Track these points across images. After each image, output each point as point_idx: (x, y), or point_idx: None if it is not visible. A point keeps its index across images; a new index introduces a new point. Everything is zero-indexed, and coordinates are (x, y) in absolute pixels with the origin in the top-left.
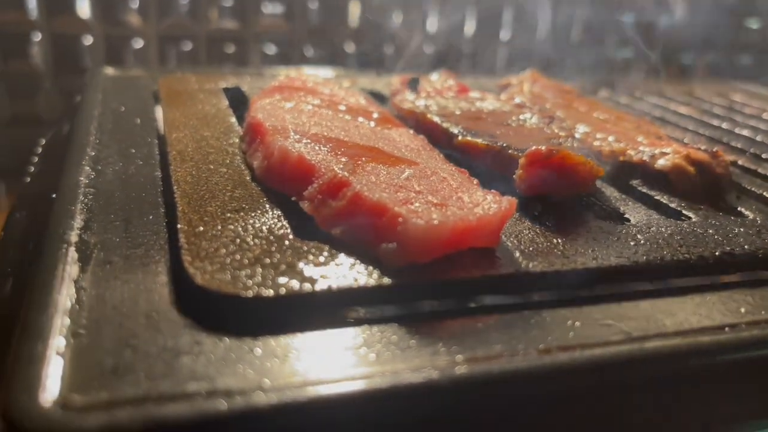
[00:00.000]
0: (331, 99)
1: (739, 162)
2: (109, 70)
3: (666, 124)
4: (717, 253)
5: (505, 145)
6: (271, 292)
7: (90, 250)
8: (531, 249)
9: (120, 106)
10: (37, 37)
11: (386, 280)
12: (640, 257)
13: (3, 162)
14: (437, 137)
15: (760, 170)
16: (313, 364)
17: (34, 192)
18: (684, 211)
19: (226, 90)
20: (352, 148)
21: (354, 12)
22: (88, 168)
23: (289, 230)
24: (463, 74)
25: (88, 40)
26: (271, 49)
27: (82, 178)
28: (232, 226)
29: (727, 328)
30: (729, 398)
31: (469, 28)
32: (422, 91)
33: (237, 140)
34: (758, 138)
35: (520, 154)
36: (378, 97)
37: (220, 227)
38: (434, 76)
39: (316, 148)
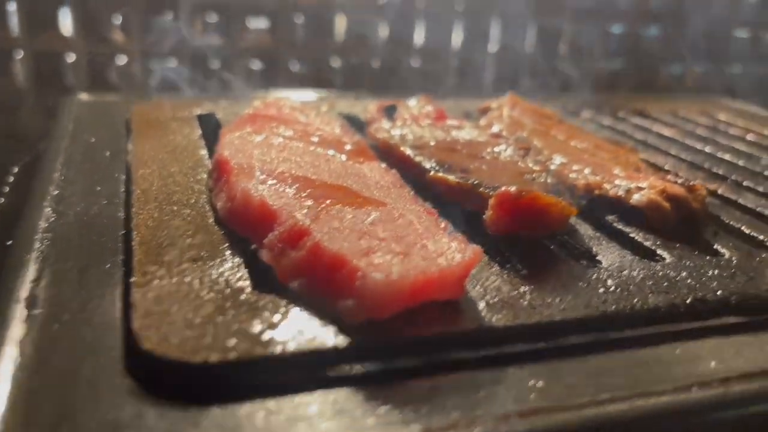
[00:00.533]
0: (305, 129)
1: (719, 191)
2: (84, 96)
3: (648, 148)
4: (688, 301)
5: (476, 182)
6: (218, 357)
7: (39, 307)
8: (496, 299)
9: (91, 137)
10: (19, 54)
11: (342, 341)
12: (608, 306)
13: None
14: (411, 170)
15: (740, 200)
16: None
17: None
18: (659, 251)
19: (201, 117)
20: (319, 188)
21: (340, 26)
22: (49, 210)
23: (247, 282)
24: (449, 91)
25: (70, 57)
26: (256, 65)
27: (41, 222)
28: (188, 278)
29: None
30: None
31: (456, 41)
32: (399, 118)
33: (205, 176)
34: (740, 162)
35: (491, 193)
36: (356, 122)
37: (175, 280)
38: (412, 102)
39: (281, 189)
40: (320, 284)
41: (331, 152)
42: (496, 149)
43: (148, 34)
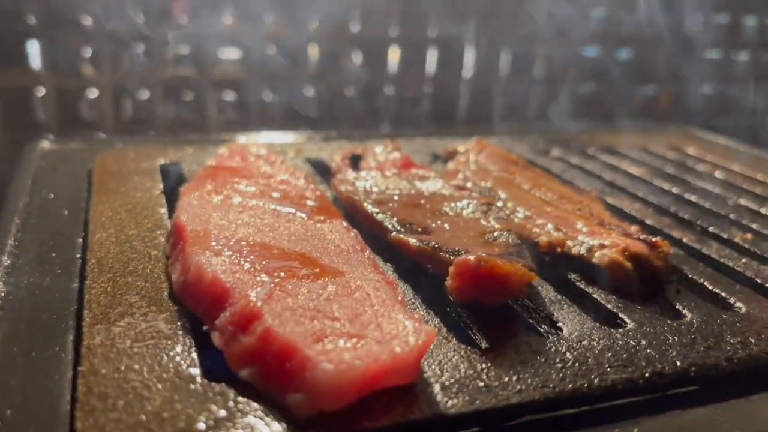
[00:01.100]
0: (267, 183)
1: (684, 240)
2: (46, 144)
3: (614, 190)
4: (647, 375)
5: (436, 246)
6: None
7: None
8: (452, 380)
9: (50, 192)
10: None
11: None
12: (566, 385)
13: None
14: (374, 227)
15: (704, 250)
16: None
17: None
18: (620, 314)
19: (165, 168)
20: (277, 257)
21: (313, 55)
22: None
23: (197, 370)
24: (424, 121)
25: (40, 91)
26: (229, 96)
27: None
28: (137, 365)
29: None
30: None
31: (431, 68)
32: (364, 167)
33: (163, 239)
34: (707, 205)
35: (451, 258)
36: (323, 168)
37: (123, 367)
38: (378, 148)
39: (236, 262)
40: (271, 374)
41: (292, 211)
42: (459, 204)
43: (120, 67)
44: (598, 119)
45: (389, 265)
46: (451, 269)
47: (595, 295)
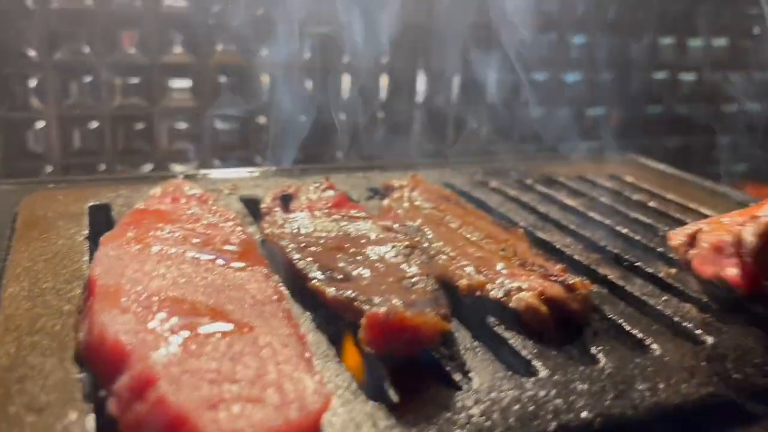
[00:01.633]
0: (192, 228)
1: (610, 276)
2: None
3: (547, 224)
4: (550, 429)
5: (352, 296)
6: None
7: None
8: None
9: None
10: None
11: None
12: None
13: None
14: (297, 273)
15: (627, 287)
16: None
17: None
18: (533, 362)
19: (95, 210)
20: (187, 313)
21: (265, 83)
22: None
23: None
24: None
25: None
26: (181, 125)
27: None
28: None
29: None
30: None
31: (382, 94)
32: (295, 206)
33: (80, 291)
34: (637, 237)
35: (365, 308)
36: (256, 208)
37: None
38: (312, 187)
39: (143, 320)
40: None
41: (212, 258)
42: (383, 248)
43: (66, 98)
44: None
45: (309, 313)
46: (362, 321)
47: (511, 341)
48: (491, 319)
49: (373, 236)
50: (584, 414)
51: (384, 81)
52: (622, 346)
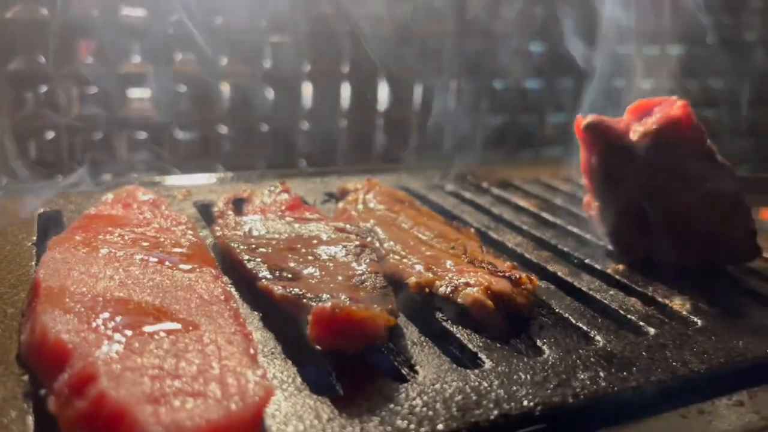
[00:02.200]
0: (143, 232)
1: (559, 273)
2: None
3: (500, 225)
4: (492, 417)
5: (299, 293)
6: None
7: None
8: None
9: None
10: None
11: None
12: None
13: None
14: (246, 274)
15: (575, 283)
16: None
17: None
18: (480, 354)
19: (44, 216)
20: (131, 312)
21: (225, 92)
22: None
23: None
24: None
25: None
26: (141, 134)
27: None
28: None
29: None
30: None
31: (344, 103)
32: (248, 210)
33: (25, 295)
34: (588, 236)
35: (312, 305)
36: (209, 213)
37: None
38: (267, 191)
39: (85, 319)
40: None
41: (161, 260)
42: (334, 248)
43: (22, 109)
44: (511, 149)
45: (257, 313)
46: (310, 317)
47: (458, 335)
48: (440, 315)
49: (324, 237)
50: (525, 402)
51: (346, 89)
52: (568, 338)
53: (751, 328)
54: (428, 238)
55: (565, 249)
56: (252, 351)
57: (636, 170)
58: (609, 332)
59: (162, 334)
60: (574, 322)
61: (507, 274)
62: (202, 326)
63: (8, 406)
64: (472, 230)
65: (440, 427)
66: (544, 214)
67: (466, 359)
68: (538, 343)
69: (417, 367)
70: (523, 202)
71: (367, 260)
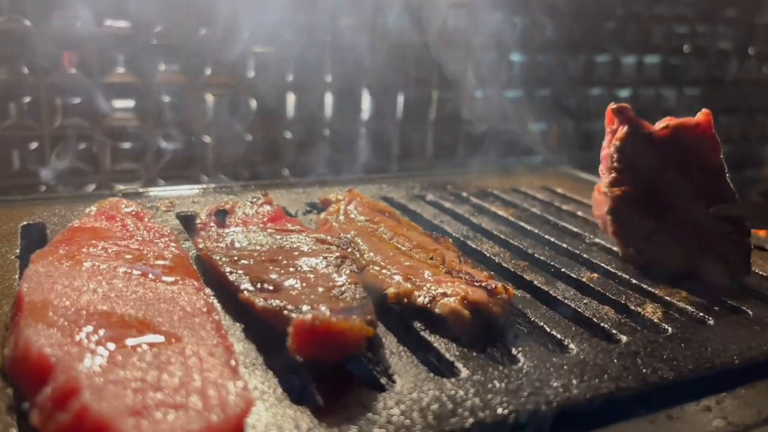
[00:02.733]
0: (126, 245)
1: (535, 282)
2: None
3: (478, 234)
4: (467, 426)
5: (280, 305)
6: None
7: None
8: None
9: None
10: None
11: None
12: None
13: None
14: (228, 285)
15: (551, 292)
16: None
17: None
18: (456, 363)
19: (27, 228)
20: (114, 325)
21: (209, 101)
22: None
23: None
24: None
25: None
26: (124, 145)
27: None
28: None
29: None
30: None
31: (328, 112)
32: (230, 222)
33: (8, 308)
34: (564, 245)
35: (293, 316)
36: (192, 224)
37: None
38: (249, 202)
39: (68, 333)
40: None
41: (144, 272)
42: (315, 260)
43: (5, 119)
44: (493, 158)
45: (239, 324)
46: (290, 329)
47: (436, 345)
48: (417, 325)
49: (305, 248)
50: (500, 410)
51: (329, 99)
52: (542, 347)
53: (719, 336)
54: (407, 248)
55: (542, 258)
56: (233, 363)
57: (650, 160)
58: (582, 340)
59: (145, 346)
60: (548, 330)
61: (483, 284)
62: (184, 338)
63: None
64: (450, 240)
65: None
66: (522, 223)
67: (443, 368)
68: (514, 351)
69: (395, 377)
70: (501, 212)
71: (347, 271)
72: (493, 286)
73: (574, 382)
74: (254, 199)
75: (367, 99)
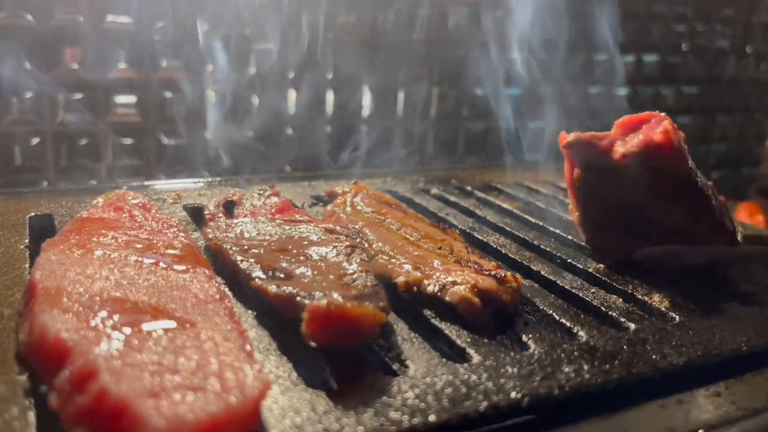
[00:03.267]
0: (136, 235)
1: (542, 272)
2: None
3: (483, 227)
4: (481, 409)
5: (293, 292)
6: None
7: None
8: (291, 425)
9: None
10: None
11: None
12: (402, 424)
13: None
14: (239, 274)
15: (558, 282)
16: None
17: None
18: (468, 349)
19: (36, 220)
20: (129, 311)
21: (211, 97)
22: None
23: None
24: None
25: None
26: (126, 141)
27: None
28: None
29: None
30: None
31: (329, 108)
32: (238, 213)
33: (20, 296)
34: (570, 237)
35: (306, 302)
36: (200, 216)
37: None
38: (257, 193)
39: (84, 319)
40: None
41: (155, 261)
42: (324, 249)
43: (7, 115)
44: (492, 156)
45: (251, 312)
46: (304, 315)
47: (447, 332)
48: (428, 313)
49: (314, 238)
50: (513, 394)
51: (330, 96)
52: (552, 334)
53: (726, 324)
54: (415, 239)
55: (548, 249)
56: (248, 347)
57: (615, 186)
58: (591, 328)
59: (160, 331)
60: (557, 318)
61: (492, 273)
62: (198, 324)
63: (9, 403)
64: (458, 231)
65: (432, 418)
66: (527, 216)
67: (454, 354)
68: (524, 338)
69: (408, 362)
70: (506, 205)
71: (358, 260)
72: (503, 275)
73: (586, 367)
74: (261, 191)
75: (367, 96)
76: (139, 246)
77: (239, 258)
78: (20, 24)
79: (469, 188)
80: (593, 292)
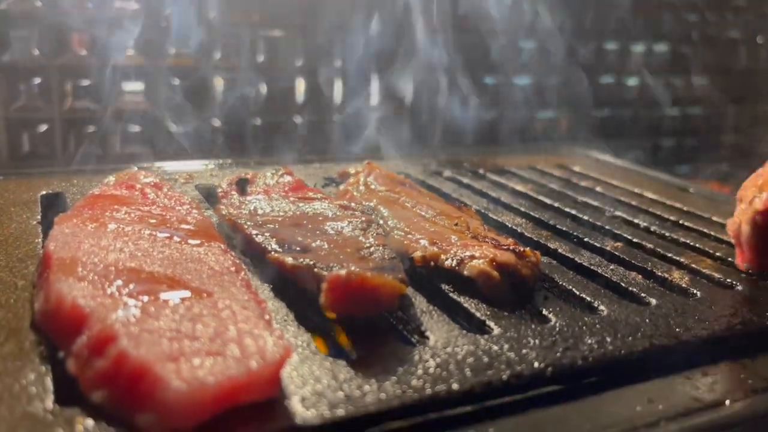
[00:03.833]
0: (149, 210)
1: (559, 250)
2: None
3: (499, 207)
4: (504, 378)
5: (311, 263)
6: None
7: None
8: (312, 392)
9: None
10: None
11: None
12: (425, 391)
13: None
14: (255, 248)
15: (577, 259)
16: None
17: None
18: (488, 321)
19: (47, 198)
20: (145, 281)
21: (218, 86)
22: None
23: (49, 397)
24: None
25: None
26: (134, 127)
27: None
28: None
29: None
30: None
31: (338, 96)
32: (252, 191)
33: (33, 269)
34: (585, 217)
35: (324, 273)
36: (212, 195)
37: None
38: (270, 172)
39: (100, 287)
40: (122, 396)
41: (169, 235)
42: (340, 224)
43: (15, 101)
44: (500, 143)
45: (267, 285)
46: (324, 284)
47: (465, 305)
48: (445, 287)
49: (329, 214)
50: (536, 364)
51: (338, 83)
52: (572, 308)
53: (748, 300)
54: (431, 216)
55: (564, 228)
56: (267, 316)
57: None
58: (612, 302)
59: (176, 300)
60: (577, 293)
61: (511, 248)
62: (215, 294)
63: (27, 369)
64: (473, 209)
65: (455, 386)
66: (542, 197)
67: (474, 327)
68: (544, 312)
69: (427, 333)
70: (519, 187)
71: (374, 234)
72: (522, 249)
73: (608, 339)
74: (275, 170)
75: (376, 84)
76: (152, 221)
77: (254, 232)
78: (27, 9)
79: (481, 171)
80: (612, 269)
